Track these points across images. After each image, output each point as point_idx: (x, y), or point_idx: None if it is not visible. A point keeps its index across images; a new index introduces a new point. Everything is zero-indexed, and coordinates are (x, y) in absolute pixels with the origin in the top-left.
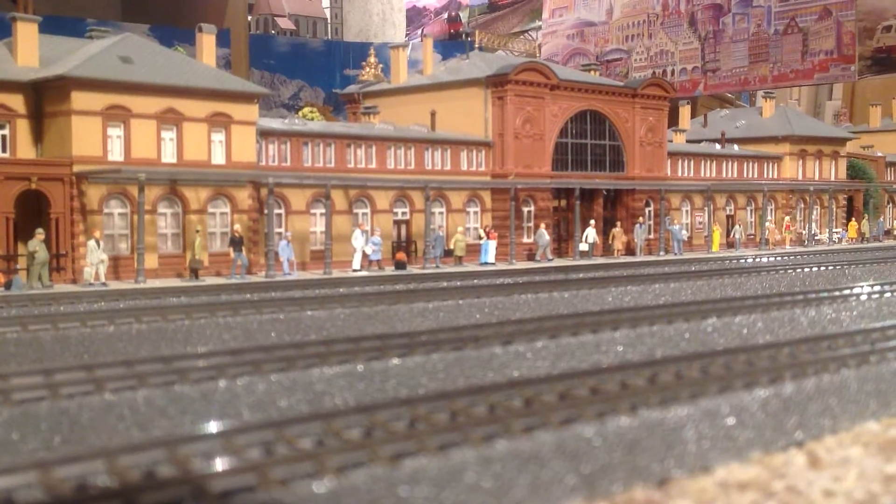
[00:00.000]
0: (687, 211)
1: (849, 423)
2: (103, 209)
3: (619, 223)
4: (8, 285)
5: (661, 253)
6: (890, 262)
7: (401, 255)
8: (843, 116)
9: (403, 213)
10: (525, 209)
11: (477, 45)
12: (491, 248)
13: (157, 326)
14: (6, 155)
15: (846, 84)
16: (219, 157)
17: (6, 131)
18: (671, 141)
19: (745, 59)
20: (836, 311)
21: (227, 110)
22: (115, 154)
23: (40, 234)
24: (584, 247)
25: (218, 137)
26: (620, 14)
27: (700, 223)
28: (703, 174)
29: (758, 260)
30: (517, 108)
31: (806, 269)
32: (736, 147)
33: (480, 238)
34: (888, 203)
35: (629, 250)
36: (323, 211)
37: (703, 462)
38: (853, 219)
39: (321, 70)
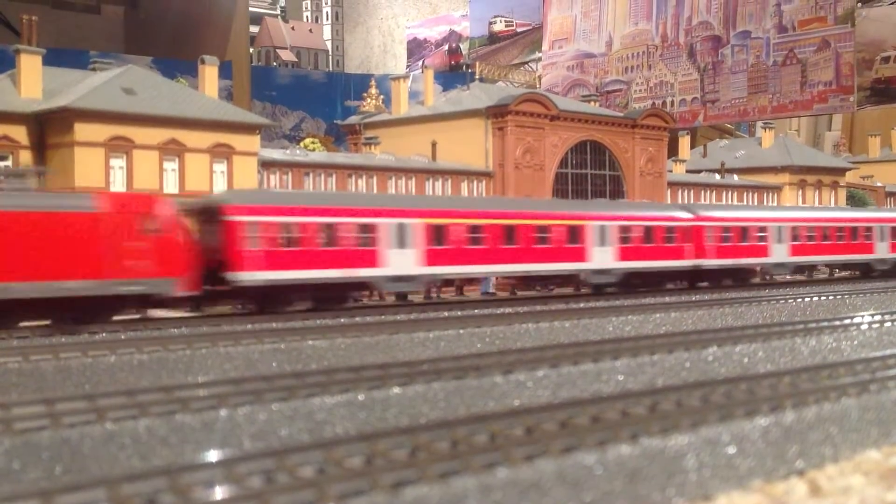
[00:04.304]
0: None
1: (850, 451)
2: None
3: None
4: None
5: None
6: (891, 292)
7: None
8: (843, 147)
9: None
10: None
11: (477, 77)
12: (492, 278)
13: (158, 356)
14: None
15: (845, 115)
16: (221, 188)
17: (9, 162)
18: (671, 171)
19: (744, 90)
20: (837, 341)
21: (229, 141)
22: (118, 185)
23: None
24: None
25: (220, 168)
26: (620, 46)
27: None
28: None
29: None
30: (517, 138)
31: (807, 299)
32: (735, 177)
33: None
34: None
35: None
36: None
37: (703, 490)
38: None
39: (322, 101)
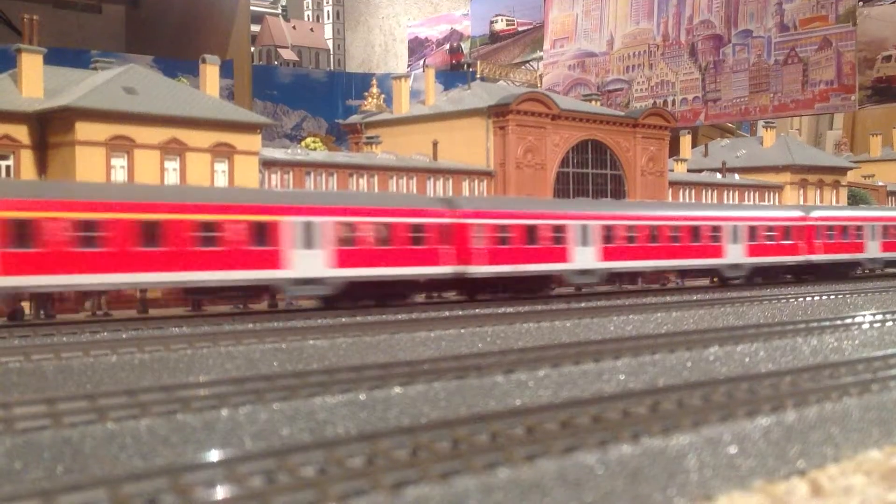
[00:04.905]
0: None
1: (851, 451)
2: None
3: None
4: (12, 316)
5: None
6: (892, 292)
7: None
8: (844, 146)
9: None
10: None
11: (478, 76)
12: None
13: (159, 356)
14: None
15: (847, 114)
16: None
17: (10, 162)
18: (672, 170)
19: (745, 89)
20: (838, 340)
21: (230, 140)
22: None
23: None
24: None
25: (221, 167)
26: (621, 45)
27: None
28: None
29: None
30: (519, 137)
31: (808, 298)
32: (737, 176)
33: None
34: None
35: None
36: None
37: (705, 490)
38: None
39: (324, 100)
